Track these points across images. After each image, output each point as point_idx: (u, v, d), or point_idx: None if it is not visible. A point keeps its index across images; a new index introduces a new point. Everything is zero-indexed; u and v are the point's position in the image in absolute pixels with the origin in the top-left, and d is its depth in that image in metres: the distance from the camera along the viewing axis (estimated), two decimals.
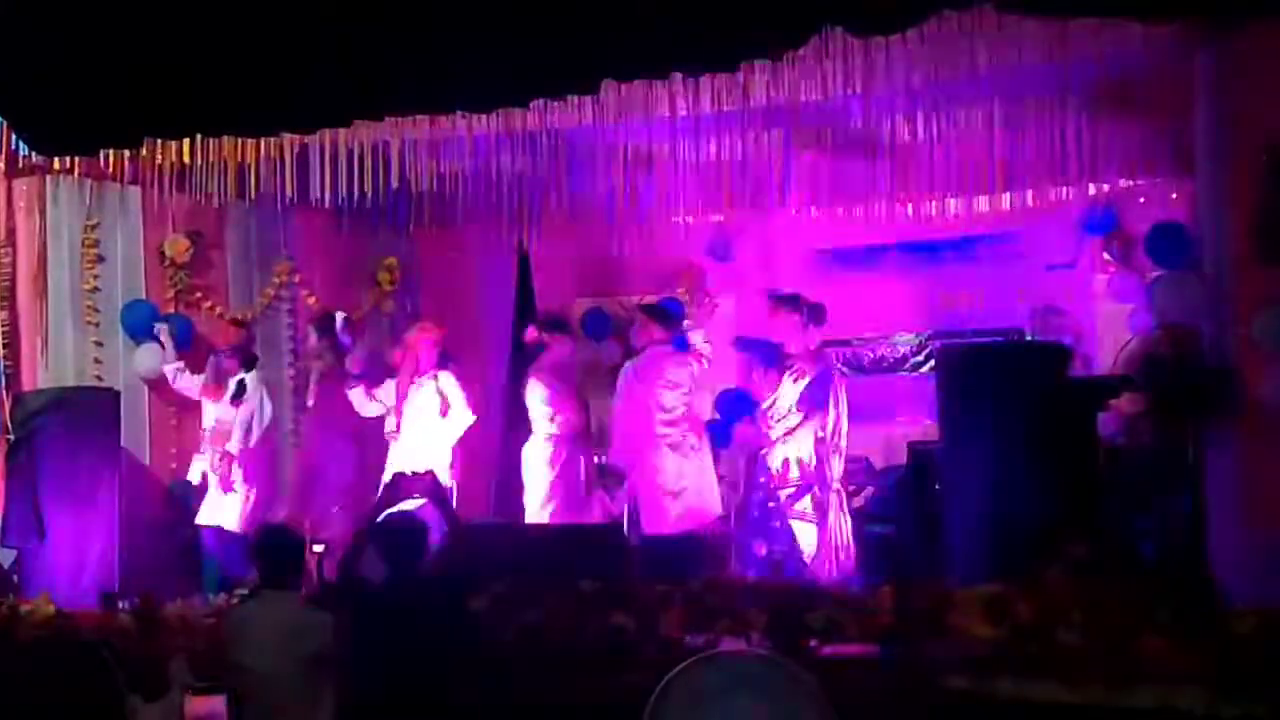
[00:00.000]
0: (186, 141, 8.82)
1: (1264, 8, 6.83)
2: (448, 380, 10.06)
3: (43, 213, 9.97)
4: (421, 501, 8.89)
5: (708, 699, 4.70)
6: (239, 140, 8.94)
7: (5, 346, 9.72)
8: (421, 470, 9.50)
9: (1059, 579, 6.30)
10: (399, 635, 5.70)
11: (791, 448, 9.14)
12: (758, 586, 7.54)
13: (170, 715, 6.03)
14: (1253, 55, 7.21)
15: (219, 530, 9.71)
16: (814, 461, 9.10)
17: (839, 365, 11.83)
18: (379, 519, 7.49)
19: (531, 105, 8.29)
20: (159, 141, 8.78)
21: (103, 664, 6.20)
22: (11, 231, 9.94)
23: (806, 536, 9.08)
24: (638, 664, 6.09)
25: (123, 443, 9.43)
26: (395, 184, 9.79)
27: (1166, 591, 6.10)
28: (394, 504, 8.96)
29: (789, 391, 9.20)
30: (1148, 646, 5.64)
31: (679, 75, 7.83)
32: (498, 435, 12.23)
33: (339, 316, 10.44)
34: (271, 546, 6.23)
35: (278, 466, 10.46)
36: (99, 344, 10.13)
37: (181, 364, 10.16)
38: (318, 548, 8.19)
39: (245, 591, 7.89)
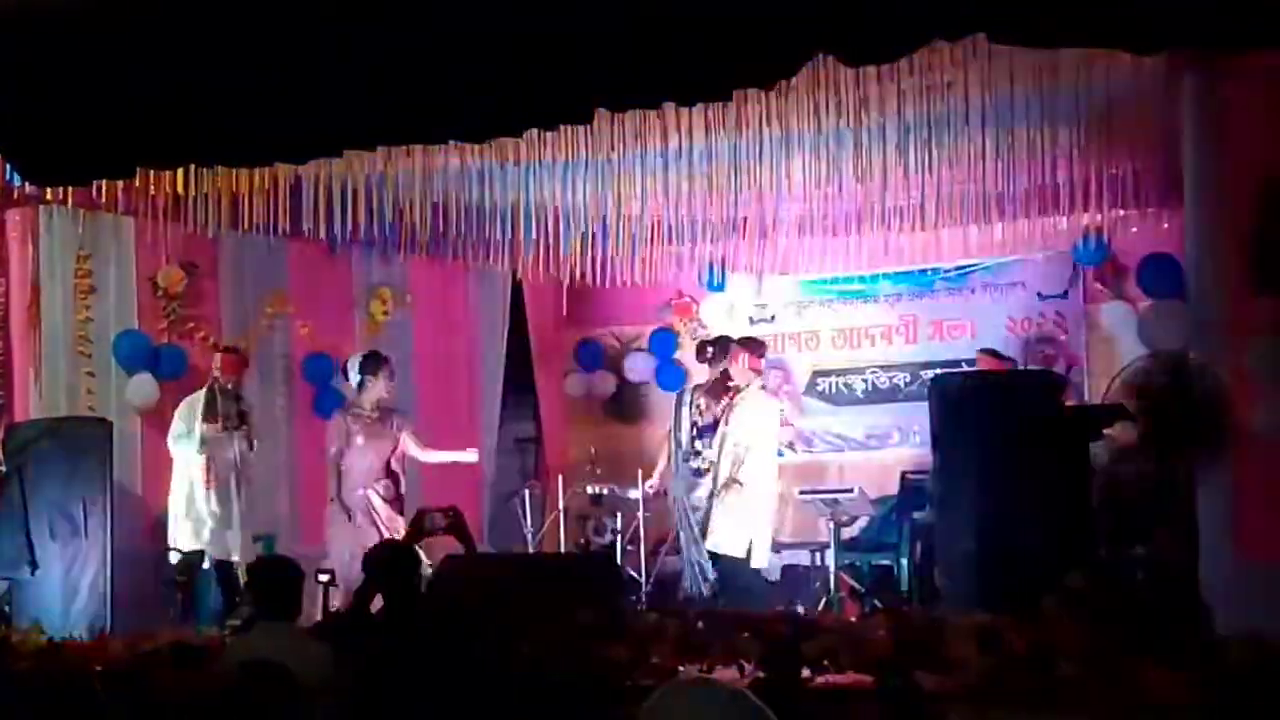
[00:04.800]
0: (180, 172, 8.80)
1: (1253, 38, 6.86)
2: None
3: (35, 243, 9.97)
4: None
5: None
6: (233, 171, 8.94)
7: None
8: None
9: (1054, 609, 6.29)
10: (396, 666, 5.68)
11: None
12: (752, 616, 7.53)
13: None
14: (1242, 84, 7.23)
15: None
16: None
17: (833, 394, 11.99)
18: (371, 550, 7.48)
19: (525, 135, 8.29)
20: (152, 172, 8.78)
21: (94, 697, 6.17)
22: (4, 262, 9.93)
23: None
24: (632, 694, 6.07)
25: (115, 474, 9.41)
26: (389, 214, 9.80)
27: (1161, 621, 6.10)
28: (419, 536, 9.01)
29: None
30: (1143, 676, 5.63)
31: (672, 104, 7.86)
32: (489, 466, 12.29)
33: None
34: (268, 577, 6.21)
35: None
36: (92, 375, 10.12)
37: None
38: (323, 577, 8.15)
39: (239, 622, 7.88)
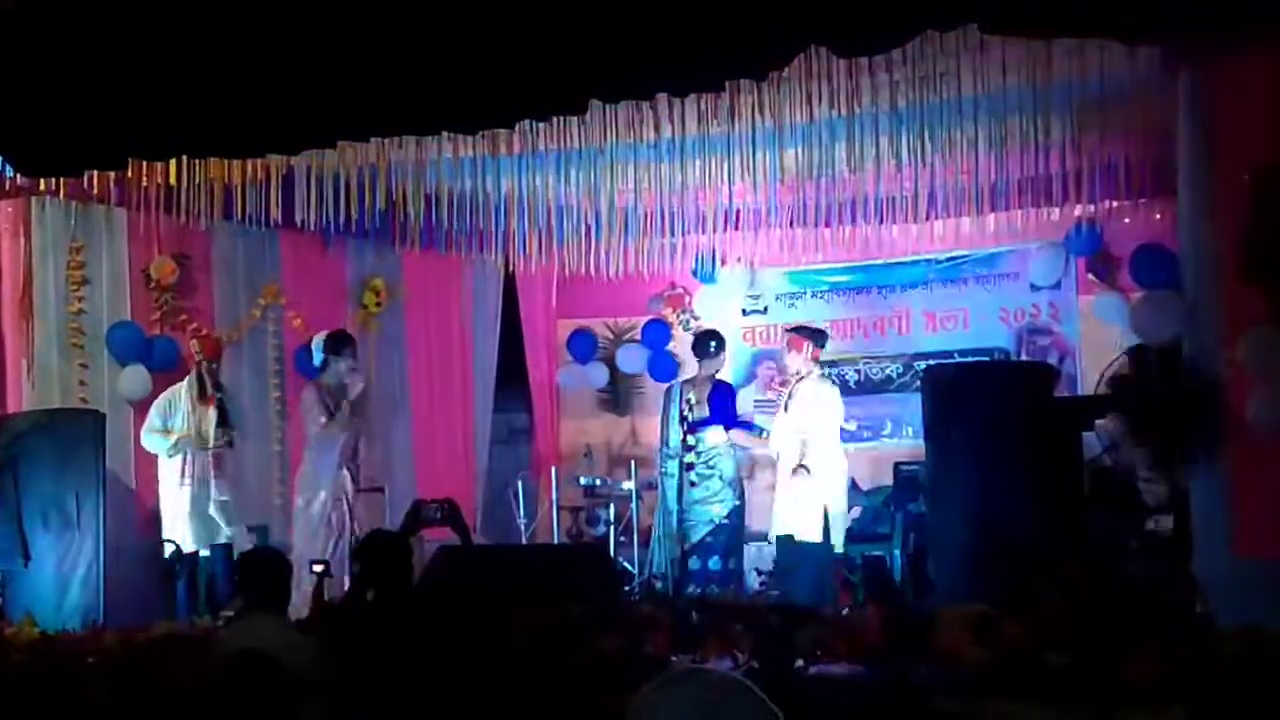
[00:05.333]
0: (172, 163, 8.80)
1: (1245, 30, 6.86)
2: None
3: (28, 235, 9.94)
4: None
5: None
6: (225, 162, 8.93)
7: None
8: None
9: (1046, 599, 6.29)
10: (389, 658, 5.68)
11: None
12: (745, 606, 7.54)
13: None
14: (1235, 76, 7.23)
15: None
16: None
17: None
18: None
19: (518, 126, 8.29)
20: (145, 163, 8.77)
21: (87, 689, 6.18)
22: None
23: None
24: (624, 685, 6.07)
25: (108, 465, 9.39)
26: (382, 205, 9.78)
27: (1153, 613, 6.10)
28: (415, 528, 8.99)
29: None
30: (1135, 668, 5.63)
31: (665, 96, 7.85)
32: (482, 458, 12.29)
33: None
34: (257, 569, 6.21)
35: None
36: (84, 366, 10.09)
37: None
38: (317, 568, 8.14)
39: (231, 614, 7.86)
